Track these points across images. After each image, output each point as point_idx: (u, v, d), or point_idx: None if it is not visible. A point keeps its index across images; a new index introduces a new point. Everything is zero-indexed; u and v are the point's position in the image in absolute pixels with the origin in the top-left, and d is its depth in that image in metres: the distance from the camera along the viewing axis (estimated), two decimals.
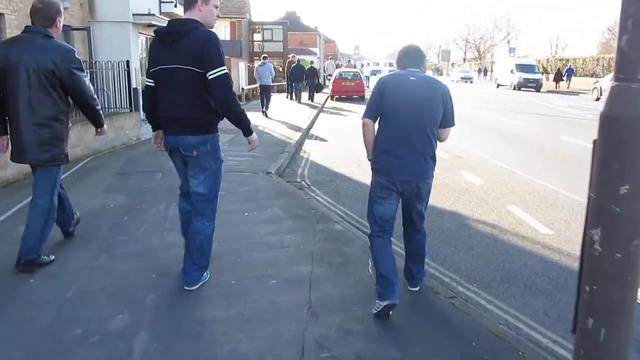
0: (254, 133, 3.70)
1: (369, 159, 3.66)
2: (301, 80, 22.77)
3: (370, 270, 4.29)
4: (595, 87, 28.80)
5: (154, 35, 3.64)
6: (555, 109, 21.74)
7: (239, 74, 23.51)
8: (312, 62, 25.84)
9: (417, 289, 3.91)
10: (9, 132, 4.06)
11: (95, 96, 4.25)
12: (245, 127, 3.59)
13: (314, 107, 20.81)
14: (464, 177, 8.38)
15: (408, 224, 3.77)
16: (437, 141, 3.56)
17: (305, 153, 10.73)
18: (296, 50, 52.80)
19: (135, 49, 13.95)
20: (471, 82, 50.87)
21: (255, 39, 44.24)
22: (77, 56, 4.02)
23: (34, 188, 4.07)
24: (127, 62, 11.51)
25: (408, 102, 3.39)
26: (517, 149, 11.12)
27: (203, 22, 3.46)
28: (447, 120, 3.53)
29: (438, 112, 3.45)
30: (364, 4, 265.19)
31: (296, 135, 12.58)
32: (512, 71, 37.67)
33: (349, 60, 43.21)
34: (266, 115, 16.82)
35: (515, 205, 6.72)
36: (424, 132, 3.42)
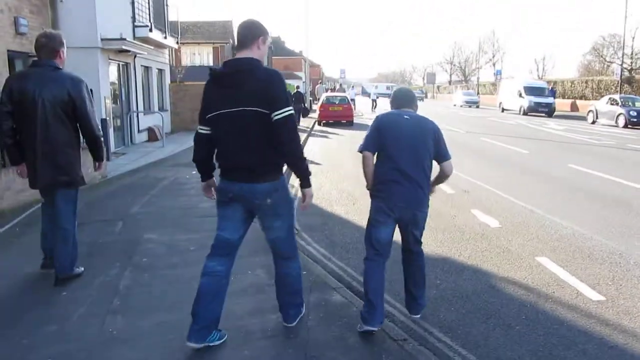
0: (311, 187, 3.34)
1: (367, 189, 3.90)
2: None
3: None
4: (591, 110, 28.16)
5: (209, 77, 3.24)
6: (554, 133, 20.88)
7: None
8: (297, 87, 25.74)
9: (419, 316, 4.04)
10: (25, 160, 4.37)
11: (100, 128, 4.56)
12: (305, 177, 3.30)
13: (302, 131, 19.89)
14: (477, 217, 7.27)
15: (407, 248, 4.02)
16: (430, 175, 3.83)
17: (294, 188, 9.58)
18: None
19: (105, 77, 12.82)
20: (477, 106, 44.67)
21: None
22: (87, 87, 4.37)
23: (58, 213, 4.39)
24: (91, 90, 10.31)
25: (404, 138, 3.71)
26: (526, 181, 10.07)
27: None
28: (442, 154, 3.83)
29: (430, 146, 3.75)
30: (349, 29, 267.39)
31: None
32: (520, 94, 34.10)
33: (340, 84, 42.53)
34: None
35: (545, 257, 5.60)
36: (419, 164, 3.71)
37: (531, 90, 33.86)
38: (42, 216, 4.63)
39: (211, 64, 38.74)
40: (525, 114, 33.23)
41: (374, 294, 3.67)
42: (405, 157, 3.67)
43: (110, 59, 13.10)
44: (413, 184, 3.68)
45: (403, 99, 4.01)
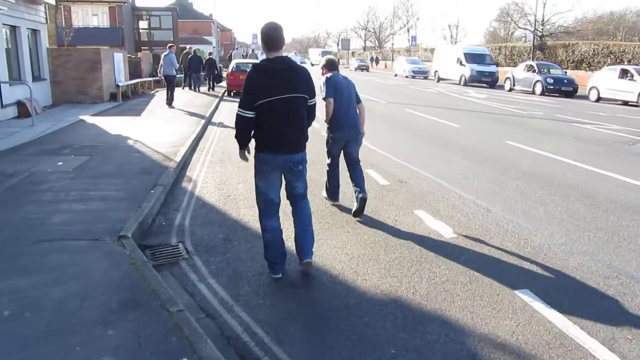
0: None
1: (325, 122, 5.86)
2: (199, 70, 22.57)
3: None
4: (508, 78, 27.81)
5: (255, 70, 4.05)
6: (478, 103, 20.02)
7: (115, 68, 19.48)
8: (210, 54, 24.87)
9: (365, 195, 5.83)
10: None
11: None
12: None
13: (214, 96, 20.61)
14: (424, 221, 5.72)
15: (352, 165, 6.03)
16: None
17: (191, 182, 7.59)
18: (190, 40, 48.58)
19: None
20: (426, 77, 38.31)
21: (141, 26, 39.53)
22: None
23: None
24: None
25: (345, 90, 5.83)
26: (468, 165, 8.68)
27: None
28: (358, 100, 6.01)
29: (355, 94, 5.96)
30: None
31: (181, 149, 9.35)
32: (460, 62, 30.81)
33: (252, 50, 39.98)
34: (170, 105, 16.36)
35: (528, 290, 4.09)
36: (352, 105, 5.88)
37: (473, 58, 30.60)
38: None
39: (107, 25, 34.79)
40: (466, 84, 30.22)
41: (336, 190, 6.33)
42: (346, 101, 5.77)
43: None
44: (351, 117, 5.80)
45: (334, 64, 6.02)
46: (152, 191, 6.56)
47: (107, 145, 9.70)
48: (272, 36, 3.98)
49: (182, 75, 23.65)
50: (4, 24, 13.11)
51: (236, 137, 4.23)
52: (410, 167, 8.37)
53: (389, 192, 6.88)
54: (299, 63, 14.07)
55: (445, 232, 5.41)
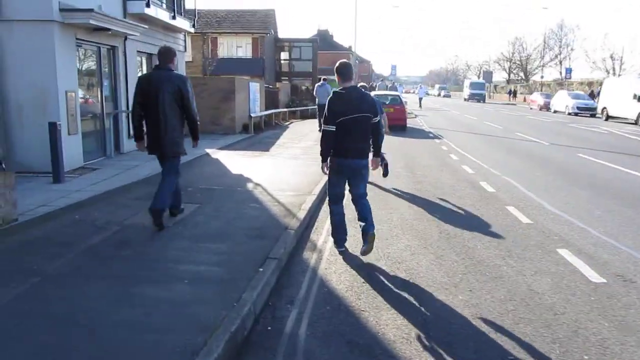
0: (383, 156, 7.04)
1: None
2: None
3: None
4: None
5: (335, 95, 5.23)
6: None
7: (250, 98, 18.71)
8: (363, 86, 24.15)
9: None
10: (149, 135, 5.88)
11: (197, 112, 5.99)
12: (380, 152, 5.70)
13: None
14: None
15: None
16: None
17: (315, 251, 5.69)
18: (328, 71, 48.42)
19: (69, 64, 9.19)
20: (594, 115, 32.17)
21: (282, 57, 39.79)
22: (189, 82, 5.88)
23: (166, 171, 5.94)
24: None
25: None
26: None
27: None
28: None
29: None
30: (400, 24, 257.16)
31: (307, 198, 7.59)
32: (638, 98, 26.01)
33: (392, 83, 39.46)
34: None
35: None
36: None
37: None
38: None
39: (249, 56, 35.30)
40: None
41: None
42: None
43: (79, 40, 9.52)
44: None
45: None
46: (262, 269, 4.74)
47: (223, 189, 8.23)
48: (345, 71, 5.27)
49: None
50: (138, 51, 12.56)
51: (321, 150, 5.31)
52: (625, 249, 5.73)
53: (611, 302, 4.37)
54: (423, 95, 21.65)
55: None
